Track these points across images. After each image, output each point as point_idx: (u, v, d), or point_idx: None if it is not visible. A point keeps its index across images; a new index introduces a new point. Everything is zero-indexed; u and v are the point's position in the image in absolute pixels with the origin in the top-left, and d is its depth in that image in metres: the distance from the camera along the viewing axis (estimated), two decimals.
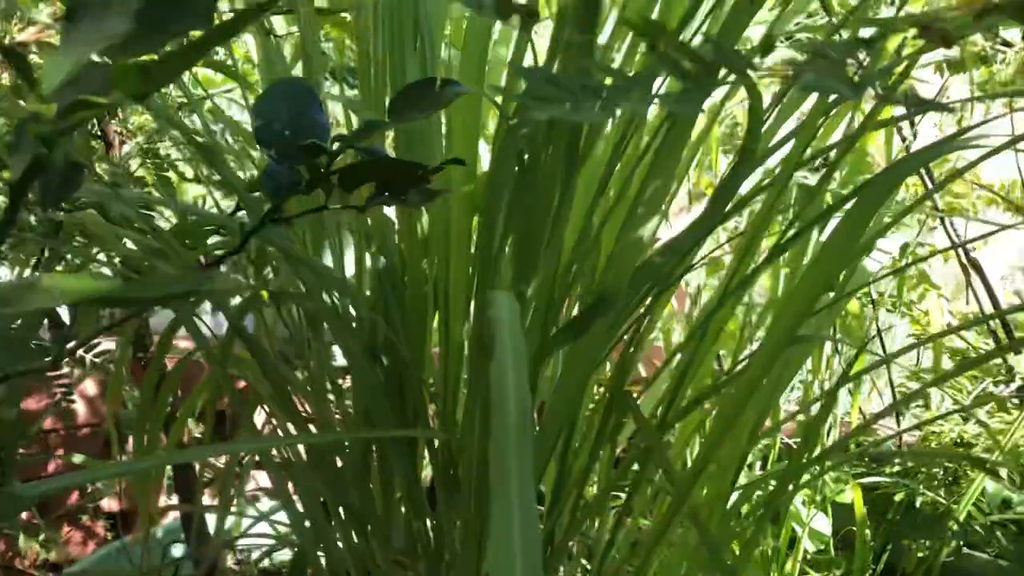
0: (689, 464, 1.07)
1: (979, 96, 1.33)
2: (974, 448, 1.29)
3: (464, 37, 0.81)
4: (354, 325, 0.81)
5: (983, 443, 1.27)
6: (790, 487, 0.97)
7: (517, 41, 0.75)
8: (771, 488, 1.14)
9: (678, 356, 0.90)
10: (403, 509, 0.83)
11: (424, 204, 0.74)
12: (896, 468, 1.40)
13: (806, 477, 1.22)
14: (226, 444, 1.09)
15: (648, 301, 0.81)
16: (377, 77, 0.82)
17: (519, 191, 0.69)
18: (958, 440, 1.35)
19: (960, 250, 1.35)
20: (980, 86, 1.41)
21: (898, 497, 1.31)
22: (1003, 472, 1.22)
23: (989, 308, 1.42)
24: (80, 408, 1.94)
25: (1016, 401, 1.42)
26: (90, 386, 1.96)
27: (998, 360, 1.42)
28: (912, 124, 1.39)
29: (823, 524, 1.32)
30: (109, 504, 2.02)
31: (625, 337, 0.83)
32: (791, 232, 0.80)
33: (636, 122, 0.80)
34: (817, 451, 1.10)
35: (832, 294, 0.83)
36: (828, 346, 1.33)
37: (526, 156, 0.68)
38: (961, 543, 1.25)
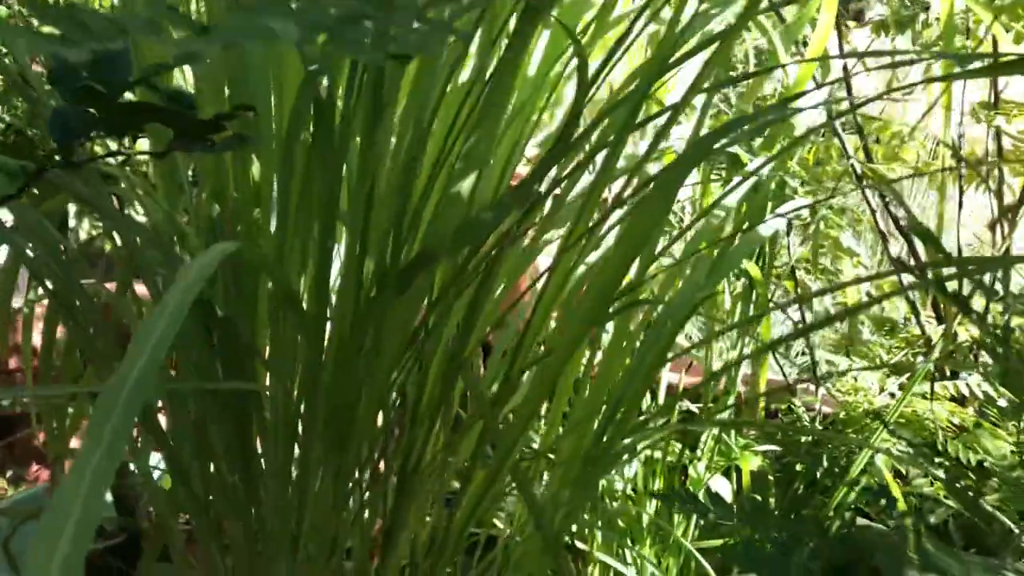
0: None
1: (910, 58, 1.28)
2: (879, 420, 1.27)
3: None
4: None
5: (889, 415, 1.25)
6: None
7: None
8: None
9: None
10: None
11: (228, 151, 0.72)
12: (807, 438, 1.38)
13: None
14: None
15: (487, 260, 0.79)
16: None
17: (319, 138, 0.66)
18: (870, 412, 1.33)
19: (879, 216, 1.32)
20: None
21: (799, 467, 1.29)
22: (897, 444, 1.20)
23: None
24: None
25: (938, 374, 1.40)
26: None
27: (917, 331, 1.39)
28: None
29: (723, 488, 1.31)
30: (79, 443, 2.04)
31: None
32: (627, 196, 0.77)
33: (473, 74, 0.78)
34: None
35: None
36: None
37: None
38: (855, 514, 1.23)
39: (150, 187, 0.96)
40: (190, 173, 0.89)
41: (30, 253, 0.83)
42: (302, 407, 0.75)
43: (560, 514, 0.80)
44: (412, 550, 0.87)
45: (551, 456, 0.98)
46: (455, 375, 0.81)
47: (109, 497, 1.71)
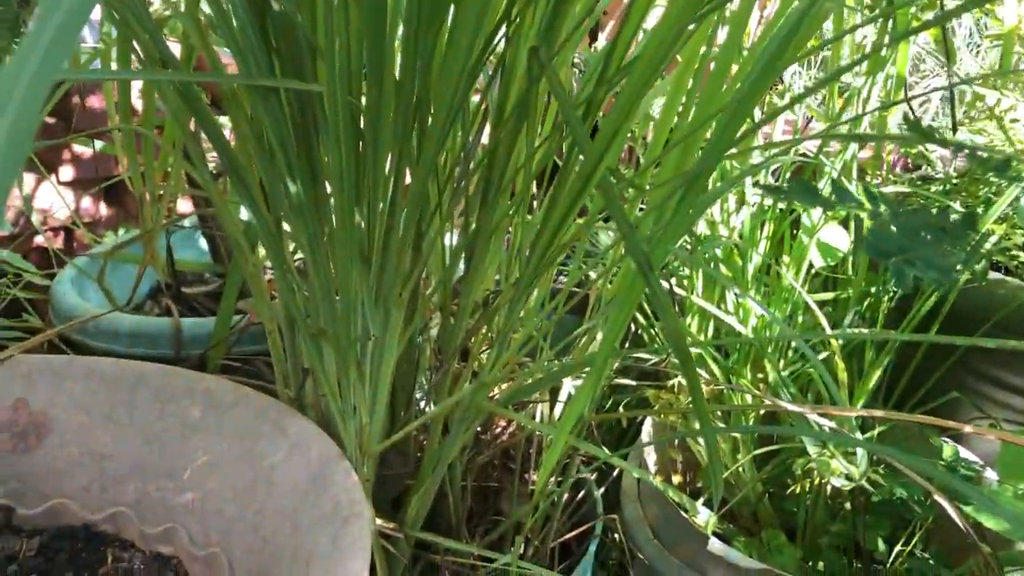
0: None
1: None
2: None
3: None
4: None
5: None
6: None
7: None
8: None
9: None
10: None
11: None
12: (939, 187, 1.24)
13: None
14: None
15: None
16: None
17: None
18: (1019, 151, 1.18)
19: None
20: None
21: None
22: None
23: None
24: None
25: None
26: None
27: None
28: None
29: (836, 237, 1.19)
30: (181, 207, 2.07)
31: None
32: None
33: None
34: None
35: None
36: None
37: None
38: (988, 266, 1.12)
39: None
40: None
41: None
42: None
43: (655, 237, 0.72)
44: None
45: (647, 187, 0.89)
46: (539, 77, 0.71)
47: (204, 245, 1.72)
